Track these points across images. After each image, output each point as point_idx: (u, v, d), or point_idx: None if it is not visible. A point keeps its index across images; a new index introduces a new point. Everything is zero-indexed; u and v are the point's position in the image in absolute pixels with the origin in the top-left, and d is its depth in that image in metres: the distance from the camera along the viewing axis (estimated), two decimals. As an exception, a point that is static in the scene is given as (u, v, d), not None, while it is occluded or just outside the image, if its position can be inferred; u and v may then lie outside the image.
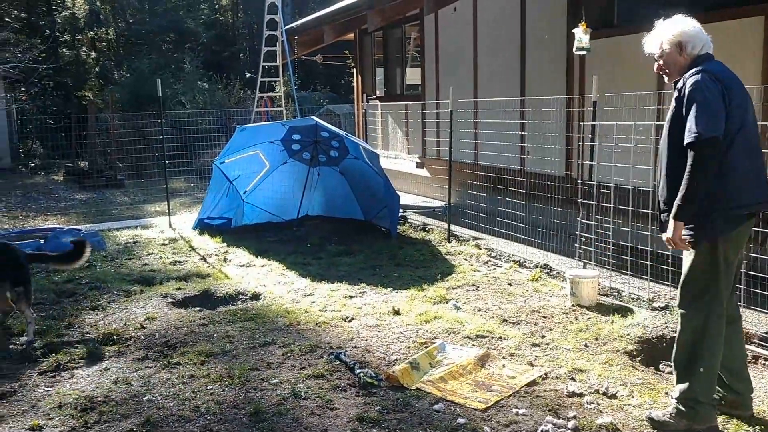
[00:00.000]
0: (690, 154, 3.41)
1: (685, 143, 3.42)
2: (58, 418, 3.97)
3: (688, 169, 3.42)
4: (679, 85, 3.60)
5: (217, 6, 33.39)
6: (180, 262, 7.89)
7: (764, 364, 4.61)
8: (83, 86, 25.30)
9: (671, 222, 3.56)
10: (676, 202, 3.50)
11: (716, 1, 6.99)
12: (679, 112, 3.55)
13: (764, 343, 4.75)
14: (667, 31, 3.73)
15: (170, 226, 9.98)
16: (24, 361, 4.86)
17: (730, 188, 3.50)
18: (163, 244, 8.82)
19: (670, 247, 3.64)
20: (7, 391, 4.37)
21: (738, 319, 3.87)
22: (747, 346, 4.76)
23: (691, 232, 3.56)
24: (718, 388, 3.76)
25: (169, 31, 28.08)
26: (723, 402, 3.82)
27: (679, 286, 3.75)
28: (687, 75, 3.57)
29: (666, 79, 3.82)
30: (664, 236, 3.62)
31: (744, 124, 3.51)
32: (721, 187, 3.48)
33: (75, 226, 9.59)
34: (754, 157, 3.59)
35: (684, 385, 3.67)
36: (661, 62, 3.78)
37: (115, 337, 5.28)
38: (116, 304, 6.25)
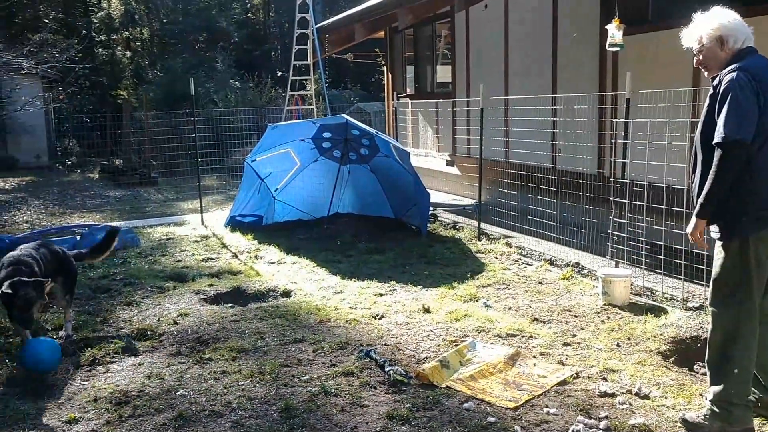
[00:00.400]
0: (716, 154, 3.39)
1: (713, 142, 3.40)
2: (93, 412, 4.05)
3: (713, 168, 3.41)
4: (715, 82, 3.53)
5: (248, 5, 33.65)
6: (212, 259, 7.97)
7: None
8: (118, 85, 25.68)
9: (693, 219, 3.57)
10: (699, 200, 3.51)
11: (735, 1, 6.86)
12: (712, 109, 3.50)
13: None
14: (707, 25, 3.63)
15: (202, 224, 10.09)
16: (62, 355, 4.95)
17: (761, 189, 3.45)
18: (196, 241, 8.93)
19: (693, 241, 3.65)
20: (45, 385, 4.47)
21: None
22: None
23: (720, 232, 3.54)
24: (753, 389, 3.69)
25: (201, 31, 28.38)
26: (759, 404, 3.75)
27: (711, 285, 3.72)
28: (724, 72, 3.49)
29: (705, 73, 3.75)
30: (687, 230, 3.62)
31: None
32: (751, 187, 3.44)
33: (110, 223, 9.74)
34: None
35: (718, 387, 3.61)
36: (700, 57, 3.69)
37: (148, 333, 5.37)
38: (150, 300, 6.34)
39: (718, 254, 3.63)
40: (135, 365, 4.76)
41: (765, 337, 3.68)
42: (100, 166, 18.31)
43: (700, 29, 3.66)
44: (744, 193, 3.44)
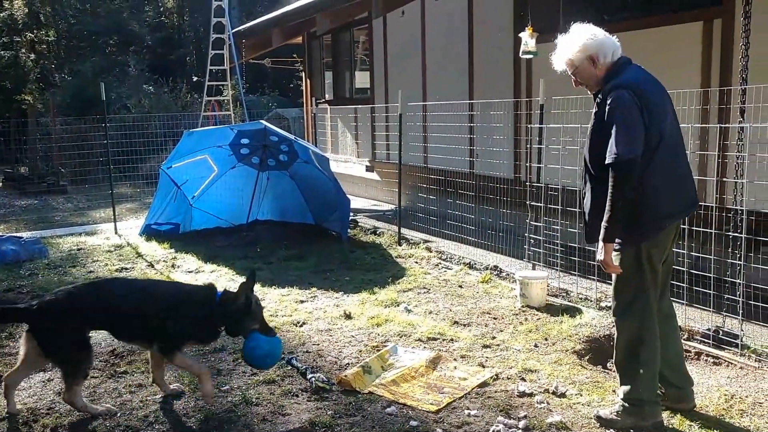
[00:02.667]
0: (610, 174, 3.41)
1: (606, 163, 3.41)
2: (-2, 432, 3.84)
3: (610, 190, 3.42)
4: (599, 99, 3.56)
5: (162, 8, 32.85)
6: (126, 268, 7.72)
7: (706, 360, 4.74)
8: (22, 89, 24.54)
9: (601, 244, 3.53)
10: (603, 224, 3.49)
11: (657, 6, 7.18)
12: (598, 126, 3.53)
13: (706, 340, 4.88)
14: (573, 46, 3.64)
15: (116, 233, 9.76)
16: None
17: (650, 201, 3.49)
18: (109, 251, 8.62)
19: (604, 270, 3.64)
20: (-57, 406, 4.21)
21: (673, 317, 3.95)
22: (690, 343, 4.91)
23: (618, 243, 3.57)
24: (660, 384, 3.84)
25: (112, 33, 27.50)
26: (666, 397, 3.90)
27: (612, 294, 3.81)
28: (606, 89, 3.51)
29: (588, 91, 3.76)
30: (597, 257, 3.61)
31: (662, 136, 3.49)
32: (642, 200, 3.48)
33: (15, 234, 9.29)
34: (676, 165, 3.60)
35: (627, 387, 3.74)
36: (577, 78, 3.71)
37: (58, 347, 5.13)
38: (60, 313, 6.06)
39: (615, 263, 3.65)
40: (44, 381, 4.55)
41: (667, 335, 3.81)
42: (3, 174, 17.46)
43: (567, 52, 3.66)
44: (640, 206, 3.48)
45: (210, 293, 4.13)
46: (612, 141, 3.39)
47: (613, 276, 3.72)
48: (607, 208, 3.45)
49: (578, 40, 3.62)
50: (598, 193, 3.57)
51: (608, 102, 3.45)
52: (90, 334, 3.96)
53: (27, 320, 3.90)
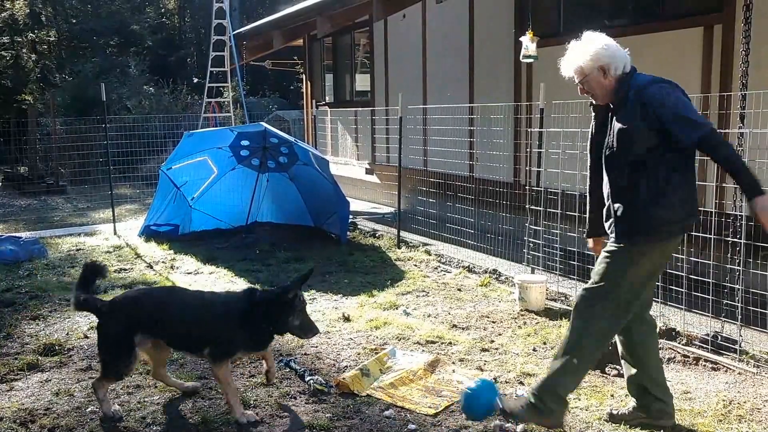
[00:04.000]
0: (713, 146, 3.27)
1: (698, 137, 3.26)
2: (-5, 433, 3.84)
3: (723, 155, 3.26)
4: (625, 101, 3.49)
5: (162, 10, 32.87)
6: (125, 269, 7.71)
7: (705, 365, 4.74)
8: (23, 90, 24.54)
9: (759, 199, 3.14)
10: (748, 181, 3.18)
11: (658, 12, 7.19)
12: (633, 121, 3.43)
13: (705, 345, 4.88)
14: (585, 54, 3.56)
15: (115, 233, 9.76)
16: None
17: (670, 200, 3.41)
18: (108, 252, 8.62)
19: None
20: (-59, 406, 4.20)
21: (655, 327, 3.91)
22: (689, 348, 4.91)
23: (626, 235, 3.50)
24: (640, 398, 3.76)
25: (113, 34, 27.47)
26: (647, 414, 3.75)
27: (596, 285, 3.61)
28: (646, 83, 3.44)
29: (595, 101, 3.69)
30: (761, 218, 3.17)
31: None
32: (661, 196, 3.40)
33: (14, 234, 9.29)
34: (694, 171, 3.59)
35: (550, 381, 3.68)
36: (585, 87, 3.63)
37: (56, 348, 5.13)
38: (58, 313, 6.07)
39: (612, 257, 3.55)
40: (41, 382, 4.54)
41: (649, 348, 3.76)
42: (3, 174, 17.46)
43: (579, 59, 3.59)
44: (658, 203, 3.40)
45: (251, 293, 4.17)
46: (689, 119, 3.29)
47: (599, 260, 3.63)
48: (736, 170, 3.20)
49: (591, 48, 3.55)
50: (630, 196, 3.47)
51: (647, 94, 3.38)
52: (137, 341, 3.95)
53: (95, 313, 4.08)
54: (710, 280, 4.98)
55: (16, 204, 13.87)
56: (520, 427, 3.79)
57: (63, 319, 5.91)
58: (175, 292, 4.64)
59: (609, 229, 3.64)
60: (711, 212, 5.10)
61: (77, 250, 8.81)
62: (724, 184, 5.74)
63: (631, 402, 3.84)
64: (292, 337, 5.30)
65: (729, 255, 4.97)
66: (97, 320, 4.05)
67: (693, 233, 5.09)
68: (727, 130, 5.64)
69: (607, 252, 3.60)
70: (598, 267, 3.63)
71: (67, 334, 5.49)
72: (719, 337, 4.88)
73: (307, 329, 4.14)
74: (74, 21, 27.91)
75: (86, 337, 5.40)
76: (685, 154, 3.45)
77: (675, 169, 3.41)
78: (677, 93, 3.39)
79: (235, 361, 4.41)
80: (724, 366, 4.66)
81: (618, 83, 3.52)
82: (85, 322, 5.78)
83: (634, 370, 3.77)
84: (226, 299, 4.29)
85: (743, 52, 5.07)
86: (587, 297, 3.63)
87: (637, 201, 3.46)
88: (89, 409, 4.09)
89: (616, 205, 3.55)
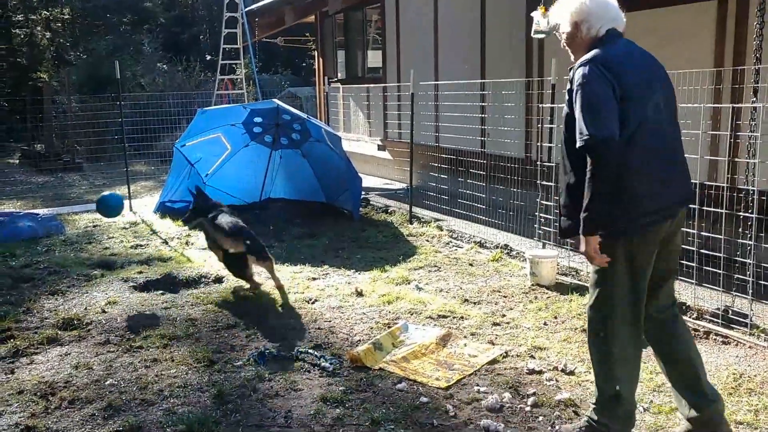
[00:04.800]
0: (588, 160, 2.98)
1: (577, 146, 3.00)
2: (17, 405, 3.93)
3: (588, 176, 2.98)
4: (570, 75, 3.13)
5: (175, -14, 32.79)
6: (141, 245, 7.81)
7: (715, 339, 4.77)
8: (38, 67, 24.64)
9: (581, 238, 3.09)
10: (582, 215, 3.03)
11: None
12: (571, 107, 3.11)
13: (715, 319, 4.90)
14: (567, 6, 3.25)
15: (131, 210, 9.86)
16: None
17: (631, 194, 3.04)
18: (124, 228, 8.72)
19: (590, 263, 3.20)
20: (-35, 378, 4.32)
21: (676, 316, 3.41)
22: (699, 322, 4.93)
23: (602, 236, 3.12)
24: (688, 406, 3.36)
25: (126, 12, 27.48)
26: (694, 423, 3.34)
27: (595, 296, 3.30)
28: (576, 65, 3.11)
29: (572, 58, 3.32)
30: (580, 249, 3.14)
31: (644, 119, 3.03)
32: (621, 192, 3.02)
33: (32, 210, 9.41)
34: (663, 154, 3.11)
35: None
36: (563, 40, 3.33)
37: (75, 322, 5.23)
38: (76, 288, 6.18)
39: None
40: (61, 356, 4.65)
41: (678, 334, 3.37)
42: (20, 152, 17.61)
43: (562, 10, 3.29)
44: (623, 195, 3.03)
45: None
46: (580, 122, 2.97)
47: (592, 268, 3.31)
48: (585, 196, 2.99)
49: (572, 2, 3.24)
50: (573, 179, 3.15)
51: (575, 78, 3.06)
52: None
53: None
54: (721, 255, 4.98)
55: (33, 181, 14.02)
56: (531, 400, 3.85)
57: (81, 294, 6.01)
58: None
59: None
60: (722, 187, 5.09)
61: (94, 226, 8.92)
62: (736, 159, 5.72)
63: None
64: (306, 311, 5.39)
65: (740, 229, 4.97)
66: None
67: (704, 207, 5.11)
68: (740, 105, 5.62)
69: None
70: None
71: (86, 308, 5.59)
72: (730, 311, 4.91)
73: None
74: (87, -2, 27.90)
75: (104, 311, 5.50)
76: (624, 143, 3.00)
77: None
78: (592, 85, 2.99)
79: None
80: (735, 340, 4.69)
81: (588, 46, 3.18)
82: (103, 297, 5.89)
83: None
84: None
85: (757, 26, 5.02)
86: None
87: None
88: (108, 381, 4.19)
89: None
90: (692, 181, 3.35)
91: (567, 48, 3.35)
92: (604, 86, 2.98)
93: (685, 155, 3.29)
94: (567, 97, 3.15)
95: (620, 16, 3.24)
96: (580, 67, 3.07)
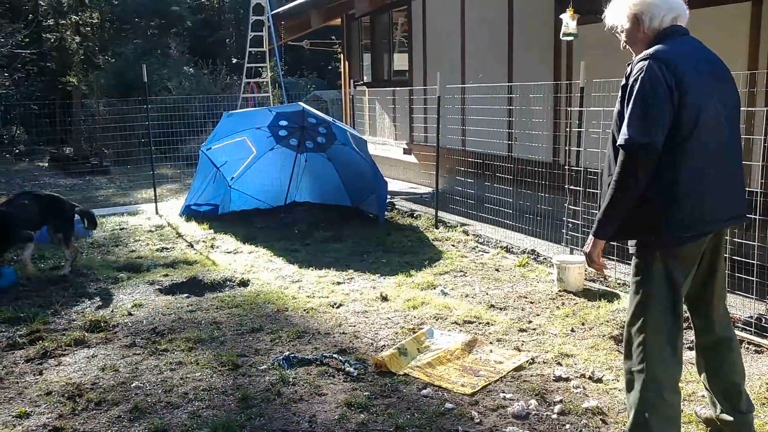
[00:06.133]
0: (620, 159, 2.88)
1: (617, 144, 2.91)
2: (45, 405, 3.96)
3: (614, 177, 2.89)
4: (627, 70, 2.99)
5: (202, -10, 33.09)
6: (167, 248, 7.86)
7: (748, 348, 4.66)
8: (67, 71, 24.99)
9: (590, 238, 3.01)
10: (597, 216, 2.99)
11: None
12: (622, 104, 2.97)
13: (748, 328, 4.80)
14: (624, 1, 3.09)
15: (157, 213, 9.93)
16: (11, 348, 4.84)
17: (673, 208, 2.89)
18: (150, 231, 8.79)
19: (588, 265, 3.08)
20: (-7, 379, 4.36)
21: (728, 342, 3.26)
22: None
23: (637, 247, 3.07)
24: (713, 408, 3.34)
25: (154, 15, 27.79)
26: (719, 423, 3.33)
27: (633, 311, 3.10)
28: (636, 60, 2.96)
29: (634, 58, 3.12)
30: (583, 249, 3.07)
31: (698, 125, 2.85)
32: (661, 205, 2.90)
33: (60, 213, 9.50)
34: (714, 164, 2.93)
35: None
36: (623, 38, 3.16)
37: (102, 324, 5.27)
38: (103, 291, 6.23)
39: (637, 274, 3.10)
40: (88, 357, 4.67)
41: (721, 362, 3.26)
42: (49, 155, 17.84)
43: (619, 6, 3.13)
44: (657, 204, 2.91)
45: None
46: (626, 120, 2.84)
47: (630, 289, 3.15)
48: (606, 197, 2.93)
49: None
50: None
51: (633, 74, 2.91)
52: None
53: None
54: (754, 261, 4.88)
55: (61, 183, 14.19)
56: (557, 407, 3.79)
57: (108, 296, 6.05)
58: None
59: None
60: (756, 192, 4.98)
61: (121, 229, 8.99)
62: (770, 164, 5.59)
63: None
64: (331, 315, 5.37)
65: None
66: None
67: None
68: (774, 108, 5.50)
69: None
70: None
71: (112, 311, 5.63)
72: (763, 320, 4.80)
73: None
74: (116, 2, 28.25)
75: (130, 314, 5.53)
76: (674, 147, 2.87)
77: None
78: (647, 85, 2.83)
79: None
80: (768, 349, 4.59)
81: (651, 40, 3.00)
82: (129, 299, 5.92)
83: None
84: None
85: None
86: None
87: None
88: (134, 384, 4.20)
89: None
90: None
91: (629, 48, 3.17)
92: (659, 87, 2.81)
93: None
94: (620, 93, 2.99)
95: (683, 7, 3.06)
96: (639, 62, 2.91)
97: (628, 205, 2.89)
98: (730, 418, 3.25)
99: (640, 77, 2.85)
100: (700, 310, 3.25)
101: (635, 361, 3.03)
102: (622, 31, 3.16)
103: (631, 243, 3.11)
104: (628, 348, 3.10)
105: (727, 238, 4.98)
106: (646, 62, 2.86)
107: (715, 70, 3.01)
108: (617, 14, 3.15)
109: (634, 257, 3.10)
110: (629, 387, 3.08)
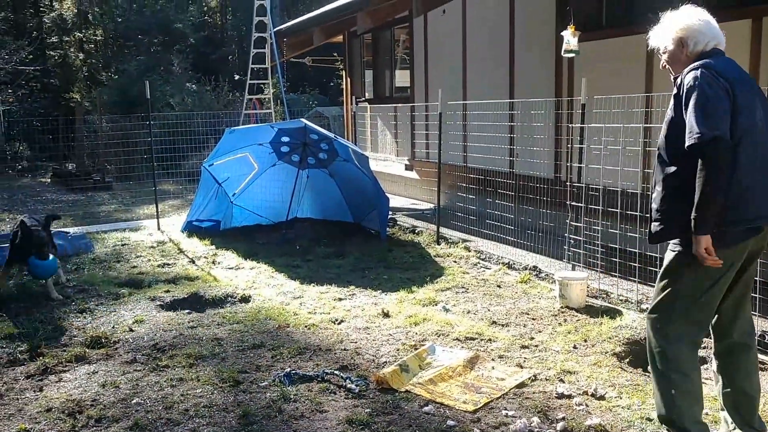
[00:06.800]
0: (699, 161, 3.03)
1: (686, 145, 3.04)
2: (45, 422, 3.94)
3: (698, 176, 3.02)
4: (678, 81, 3.23)
5: (205, 8, 33.30)
6: (168, 264, 7.85)
7: (761, 367, 4.63)
8: (71, 88, 25.12)
9: (694, 238, 3.10)
10: (693, 215, 3.07)
11: (703, 3, 7.03)
12: (678, 111, 3.18)
13: (761, 348, 4.76)
14: (672, 25, 3.36)
15: (159, 229, 9.93)
16: (11, 364, 4.83)
17: (731, 199, 3.08)
18: (152, 247, 8.78)
19: (703, 262, 3.13)
20: (-7, 395, 4.34)
21: (747, 347, 3.43)
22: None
23: (675, 242, 3.27)
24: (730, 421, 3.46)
25: (157, 33, 27.97)
26: None
27: (653, 294, 3.40)
28: (686, 70, 3.20)
29: (671, 75, 3.43)
30: (694, 250, 3.13)
31: (749, 129, 3.10)
32: (739, 192, 3.10)
33: (62, 229, 9.52)
34: (764, 166, 3.17)
35: (662, 409, 3.41)
36: (665, 58, 3.43)
37: (103, 341, 5.25)
38: (104, 307, 6.22)
39: (678, 267, 3.28)
40: (89, 374, 4.66)
41: (737, 369, 3.41)
42: (52, 171, 17.90)
43: (665, 29, 3.40)
44: (730, 199, 3.08)
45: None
46: (691, 120, 3.03)
47: (659, 275, 3.39)
48: (697, 196, 3.03)
49: (680, 19, 3.34)
50: (670, 184, 3.21)
51: (686, 81, 3.13)
52: None
53: None
54: (758, 278, 4.86)
55: (64, 199, 14.22)
56: (560, 425, 3.76)
57: (109, 312, 6.04)
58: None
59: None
60: None
61: (122, 245, 8.99)
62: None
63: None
64: (332, 332, 5.36)
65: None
66: None
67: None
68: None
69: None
70: None
71: (113, 327, 5.62)
72: (767, 337, 4.77)
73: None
74: (120, 20, 28.48)
75: (131, 330, 5.52)
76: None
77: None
78: (705, 87, 3.07)
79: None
80: (772, 366, 4.56)
81: (693, 61, 3.26)
82: (130, 315, 5.91)
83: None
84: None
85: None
86: None
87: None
88: (134, 400, 4.18)
89: None
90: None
91: (668, 66, 3.44)
92: (718, 88, 3.06)
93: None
94: (673, 102, 3.22)
95: (721, 35, 3.34)
96: (691, 71, 3.15)
97: (721, 197, 3.04)
98: None
99: (696, 83, 3.09)
100: (721, 313, 3.41)
101: (660, 352, 3.32)
102: (664, 52, 3.42)
103: (675, 242, 3.30)
104: (655, 338, 3.36)
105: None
106: (698, 71, 3.13)
107: (751, 84, 3.28)
108: (664, 36, 3.41)
109: (677, 254, 3.27)
110: (655, 374, 3.37)
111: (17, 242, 6.45)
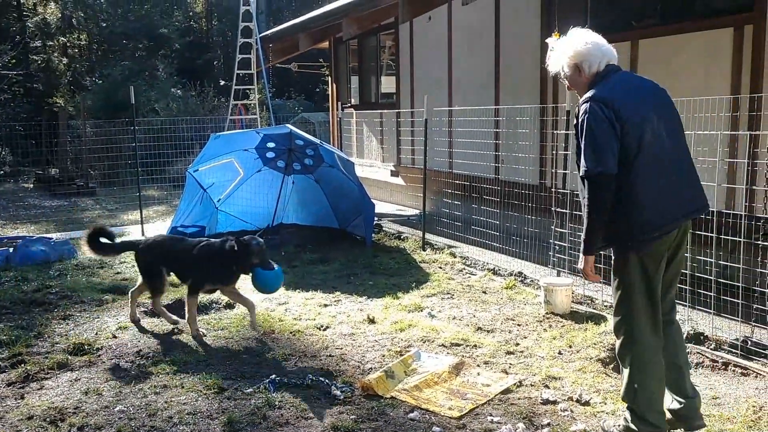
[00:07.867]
0: (585, 188, 3.45)
1: (579, 175, 3.45)
2: (26, 430, 3.90)
3: (585, 203, 3.47)
4: (575, 111, 3.53)
5: (191, 13, 33.22)
6: (153, 270, 7.78)
7: (734, 370, 4.67)
8: (54, 93, 24.94)
9: (580, 257, 3.58)
10: (582, 237, 3.55)
11: (686, 12, 7.10)
12: (578, 140, 3.48)
13: (734, 350, 4.81)
14: (565, 52, 3.63)
15: (143, 235, 9.87)
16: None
17: (635, 212, 3.41)
18: (136, 253, 8.70)
19: (584, 279, 3.58)
20: (-26, 403, 4.28)
21: (669, 323, 3.70)
22: (718, 353, 4.84)
23: (615, 251, 3.59)
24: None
25: (142, 37, 27.87)
26: (675, 417, 3.71)
27: (618, 305, 3.64)
28: (580, 102, 3.48)
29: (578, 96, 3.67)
30: (578, 267, 3.66)
31: (641, 147, 3.36)
32: (627, 211, 3.41)
33: (45, 235, 9.44)
34: (662, 175, 3.42)
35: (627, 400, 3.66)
36: (567, 83, 3.74)
37: (86, 347, 5.20)
38: (87, 313, 6.16)
39: (618, 270, 3.60)
40: (71, 381, 4.61)
41: (668, 339, 3.66)
42: (35, 176, 17.75)
43: (559, 57, 3.67)
44: (627, 217, 3.42)
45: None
46: (582, 155, 3.40)
47: (612, 283, 3.67)
48: (584, 221, 3.51)
49: (570, 46, 3.61)
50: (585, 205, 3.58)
51: (579, 115, 3.44)
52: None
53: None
54: (740, 284, 4.90)
55: (47, 205, 14.10)
56: (545, 430, 3.77)
57: (92, 319, 5.99)
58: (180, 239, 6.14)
59: None
60: (740, 215, 5.03)
61: (106, 251, 8.90)
62: (754, 187, 5.65)
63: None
64: (317, 338, 5.35)
65: (759, 258, 4.90)
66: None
67: (722, 236, 5.05)
68: (757, 132, 5.57)
69: None
70: None
71: (96, 333, 5.57)
72: (749, 342, 4.82)
73: (266, 265, 5.37)
74: (104, 25, 28.33)
75: (115, 337, 5.47)
76: (627, 167, 3.38)
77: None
78: (592, 123, 3.36)
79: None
80: (754, 371, 4.60)
81: (590, 83, 3.56)
82: (114, 322, 5.86)
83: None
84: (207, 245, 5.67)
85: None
86: None
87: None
88: (117, 408, 4.15)
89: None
90: (706, 195, 3.64)
91: (573, 89, 3.75)
92: (603, 123, 3.35)
93: (701, 181, 3.60)
94: (574, 131, 3.57)
95: (612, 50, 3.61)
96: (582, 104, 3.45)
97: (603, 223, 3.46)
98: (678, 405, 3.65)
99: (585, 118, 3.40)
100: (664, 293, 3.68)
101: (625, 339, 3.57)
102: (565, 77, 3.71)
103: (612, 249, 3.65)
104: (618, 331, 3.63)
105: (712, 260, 5.02)
106: (588, 104, 3.41)
107: (648, 94, 3.53)
108: (559, 62, 3.69)
109: (614, 259, 3.61)
110: (623, 362, 3.63)
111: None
